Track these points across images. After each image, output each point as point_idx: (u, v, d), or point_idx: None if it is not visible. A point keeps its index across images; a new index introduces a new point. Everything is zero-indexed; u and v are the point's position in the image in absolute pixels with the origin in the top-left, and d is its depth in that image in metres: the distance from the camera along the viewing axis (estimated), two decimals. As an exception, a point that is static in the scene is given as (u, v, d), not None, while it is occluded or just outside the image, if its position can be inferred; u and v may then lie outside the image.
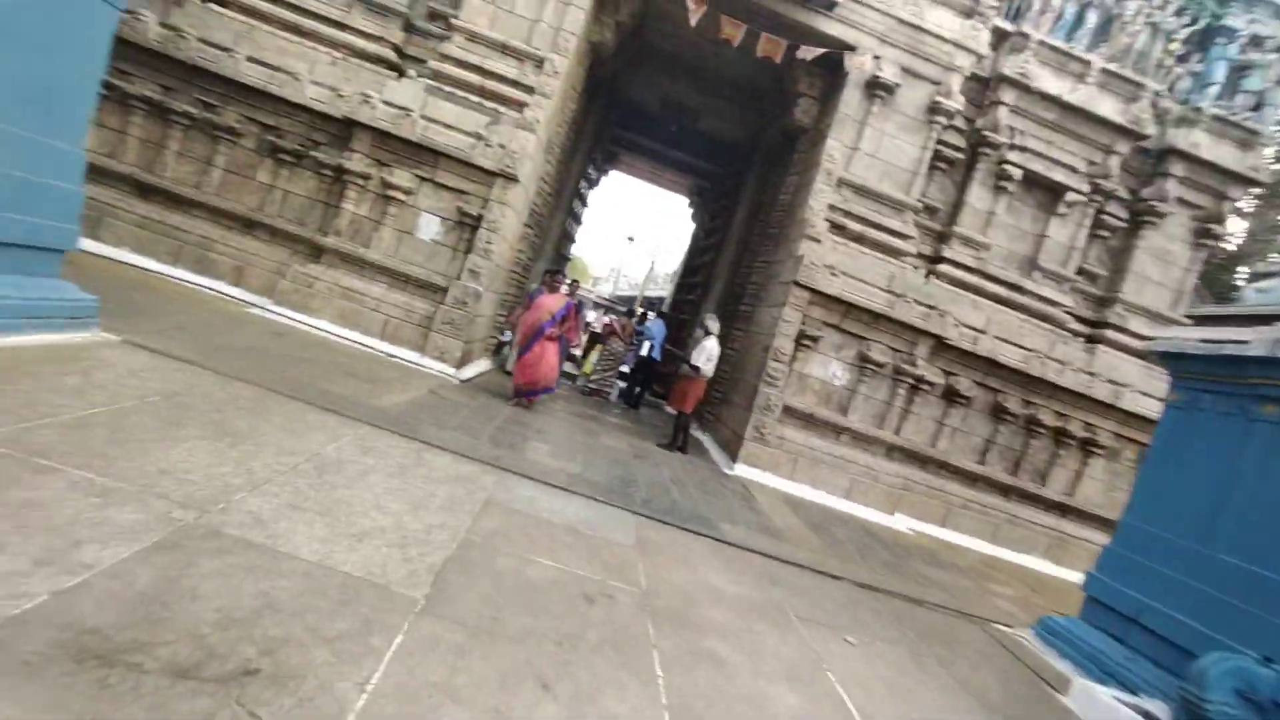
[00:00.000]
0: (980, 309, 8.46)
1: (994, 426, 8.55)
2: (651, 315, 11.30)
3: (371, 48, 7.84)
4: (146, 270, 6.89)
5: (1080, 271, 9.11)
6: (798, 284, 7.56)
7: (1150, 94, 8.48)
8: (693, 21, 7.93)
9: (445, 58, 7.73)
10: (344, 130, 7.33)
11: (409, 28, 8.15)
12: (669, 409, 7.67)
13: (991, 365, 8.29)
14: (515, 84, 7.78)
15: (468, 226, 7.44)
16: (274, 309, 6.97)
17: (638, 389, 10.14)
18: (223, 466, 2.84)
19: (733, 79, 10.50)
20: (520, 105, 7.63)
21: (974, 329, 8.24)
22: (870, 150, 8.39)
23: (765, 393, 7.55)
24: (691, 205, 17.81)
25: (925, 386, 8.14)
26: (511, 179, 7.27)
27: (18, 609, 1.67)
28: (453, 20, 7.77)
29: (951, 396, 8.35)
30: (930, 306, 7.86)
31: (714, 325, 7.49)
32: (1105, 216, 9.02)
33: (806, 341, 7.83)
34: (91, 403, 3.04)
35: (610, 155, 16.73)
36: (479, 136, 7.25)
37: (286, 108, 7.38)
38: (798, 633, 3.53)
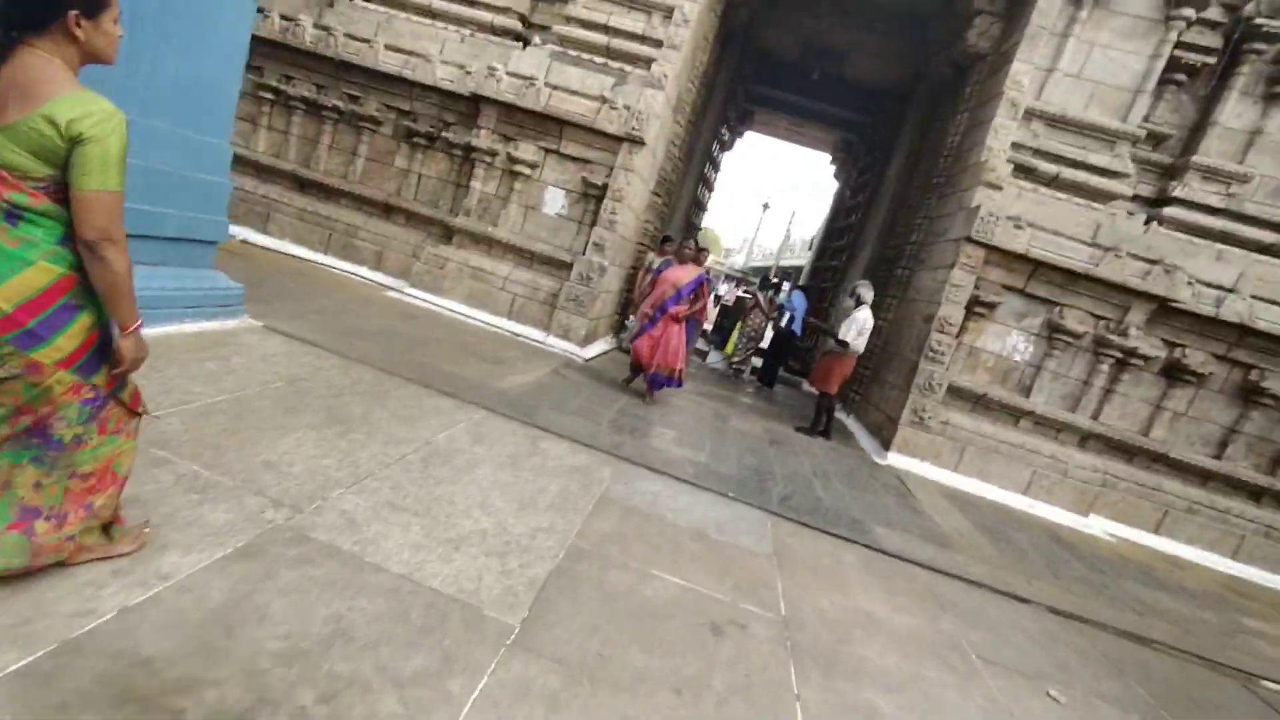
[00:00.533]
0: (1228, 261, 6.57)
1: (1240, 411, 6.69)
2: (785, 287, 10.27)
3: (499, 20, 7.71)
4: (302, 259, 7.43)
5: (1390, 206, 6.74)
6: (971, 240, 6.33)
7: None
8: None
9: (570, 19, 7.40)
10: (472, 108, 7.31)
11: (533, -5, 7.92)
12: (809, 388, 6.90)
13: (1242, 333, 6.43)
14: (642, 39, 7.25)
15: (593, 198, 7.14)
16: (409, 291, 7.21)
17: (773, 365, 9.38)
18: (327, 459, 2.73)
19: (888, 6, 9.07)
20: (647, 62, 7.10)
21: (1218, 287, 6.42)
22: (1073, 69, 6.76)
23: (926, 370, 6.48)
24: (835, 162, 16.24)
25: (1137, 361, 6.53)
26: (638, 143, 6.80)
27: (79, 629, 1.54)
28: (574, -21, 7.39)
29: (1175, 373, 6.63)
30: (1153, 261, 6.22)
31: (867, 293, 6.52)
32: None
33: (980, 309, 6.58)
34: (221, 389, 3.09)
35: (744, 114, 15.67)
36: (603, 100, 6.85)
37: (420, 91, 7.51)
38: (983, 682, 2.79)
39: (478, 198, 7.38)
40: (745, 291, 9.42)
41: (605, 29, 7.28)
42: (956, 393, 6.65)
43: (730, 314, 10.06)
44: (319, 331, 4.49)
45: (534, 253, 7.28)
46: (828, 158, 17.19)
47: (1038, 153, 6.78)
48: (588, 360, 6.97)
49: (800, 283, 10.13)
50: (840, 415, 8.16)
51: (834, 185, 16.35)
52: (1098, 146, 6.76)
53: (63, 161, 1.38)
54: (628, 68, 7.17)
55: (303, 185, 7.85)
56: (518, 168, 7.20)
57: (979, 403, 6.69)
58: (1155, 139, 7.01)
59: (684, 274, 6.34)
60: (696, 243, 6.90)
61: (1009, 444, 6.56)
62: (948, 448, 6.58)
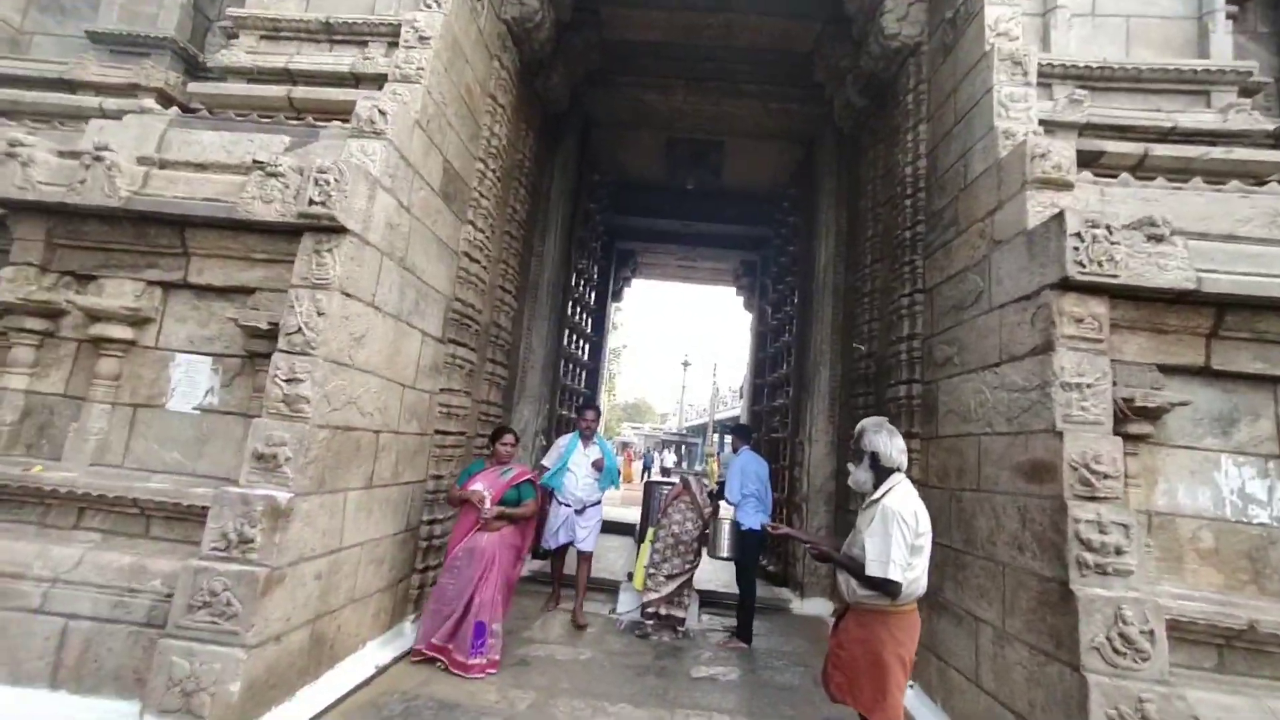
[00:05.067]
0: None
1: None
2: (727, 448, 5.92)
3: (116, 104, 4.39)
4: None
5: None
6: (1071, 286, 2.87)
7: None
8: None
9: (229, 71, 4.17)
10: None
11: (193, 67, 4.77)
12: (833, 693, 2.76)
13: None
14: (355, 80, 4.08)
15: (267, 358, 3.32)
16: None
17: (747, 607, 5.03)
18: None
19: (754, 48, 6.71)
20: (349, 109, 3.80)
21: None
22: (1082, 6, 4.04)
23: (1096, 599, 2.56)
24: (740, 290, 13.72)
25: None
26: (329, 230, 3.20)
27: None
28: (236, 15, 4.31)
29: None
30: None
31: (892, 450, 2.72)
32: None
33: (1135, 426, 2.94)
34: None
35: (624, 257, 13.17)
36: (260, 167, 3.34)
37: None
38: None
39: (18, 407, 3.39)
40: (661, 471, 5.36)
41: (285, 75, 4.08)
42: (1180, 631, 2.71)
43: (649, 518, 5.91)
44: None
45: (145, 503, 3.17)
46: (731, 291, 14.78)
47: (1089, 129, 3.75)
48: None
49: (738, 426, 6.03)
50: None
51: (747, 316, 13.65)
52: (1183, 102, 3.83)
53: None
54: (319, 122, 3.86)
55: None
56: (106, 329, 3.37)
57: (1234, 645, 2.75)
58: (1243, 92, 4.21)
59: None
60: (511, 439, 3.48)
61: (1362, 747, 2.52)
62: (1231, 800, 2.44)
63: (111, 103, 4.39)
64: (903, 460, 2.70)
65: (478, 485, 4.00)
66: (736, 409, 36.72)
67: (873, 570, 2.43)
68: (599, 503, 5.36)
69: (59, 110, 4.42)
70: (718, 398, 37.83)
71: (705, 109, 7.39)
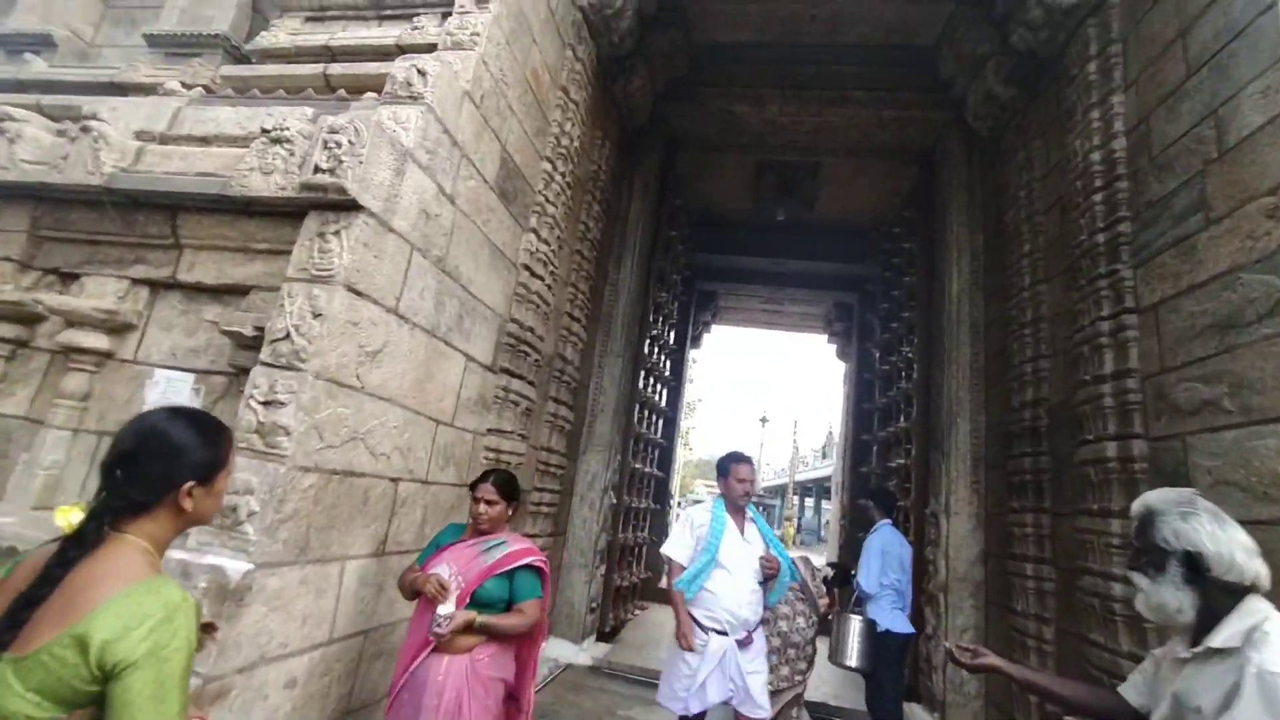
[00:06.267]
0: None
1: None
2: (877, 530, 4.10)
3: (157, 106, 3.99)
4: None
5: None
6: None
7: None
8: None
9: (266, 55, 3.66)
10: (21, 236, 3.09)
11: (239, 59, 4.37)
12: None
13: None
14: (399, 52, 3.43)
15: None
16: None
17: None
18: None
19: (866, 44, 5.81)
20: (381, 82, 3.12)
21: None
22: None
23: None
24: (833, 336, 12.43)
25: None
26: (339, 207, 2.42)
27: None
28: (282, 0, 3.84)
29: None
30: None
31: (1231, 546, 1.49)
32: None
33: None
34: None
35: (704, 299, 12.26)
36: (266, 135, 2.65)
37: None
38: None
39: (-23, 434, 2.74)
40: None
41: (326, 53, 3.50)
42: None
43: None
44: None
45: (80, 564, 2.38)
46: (821, 338, 13.50)
47: None
48: None
49: (875, 491, 4.53)
50: None
51: (841, 365, 12.30)
52: None
53: (86, 702, 0.87)
54: (350, 96, 3.20)
55: None
56: (74, 338, 2.71)
57: None
58: None
59: (465, 559, 2.14)
60: (489, 492, 2.32)
61: None
62: None
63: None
64: (1260, 570, 1.46)
65: (441, 567, 2.23)
66: (819, 469, 34.25)
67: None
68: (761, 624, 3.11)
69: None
70: (798, 457, 35.57)
71: (804, 121, 6.47)
